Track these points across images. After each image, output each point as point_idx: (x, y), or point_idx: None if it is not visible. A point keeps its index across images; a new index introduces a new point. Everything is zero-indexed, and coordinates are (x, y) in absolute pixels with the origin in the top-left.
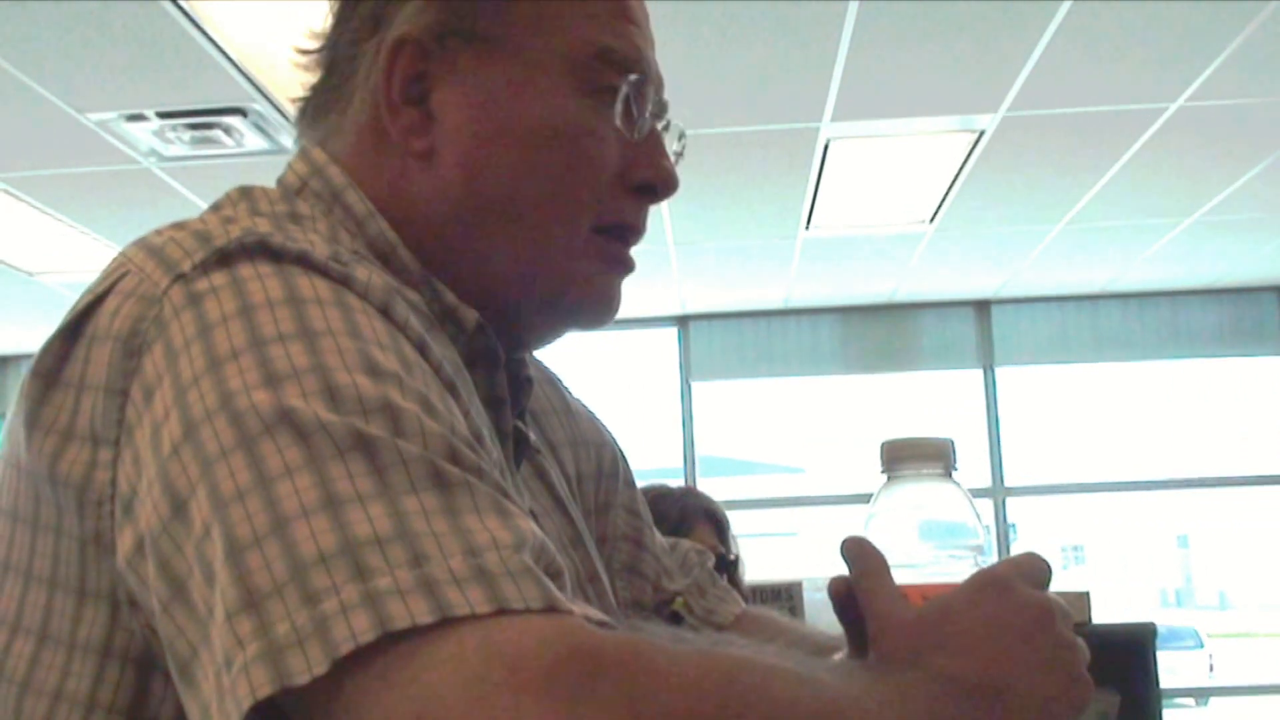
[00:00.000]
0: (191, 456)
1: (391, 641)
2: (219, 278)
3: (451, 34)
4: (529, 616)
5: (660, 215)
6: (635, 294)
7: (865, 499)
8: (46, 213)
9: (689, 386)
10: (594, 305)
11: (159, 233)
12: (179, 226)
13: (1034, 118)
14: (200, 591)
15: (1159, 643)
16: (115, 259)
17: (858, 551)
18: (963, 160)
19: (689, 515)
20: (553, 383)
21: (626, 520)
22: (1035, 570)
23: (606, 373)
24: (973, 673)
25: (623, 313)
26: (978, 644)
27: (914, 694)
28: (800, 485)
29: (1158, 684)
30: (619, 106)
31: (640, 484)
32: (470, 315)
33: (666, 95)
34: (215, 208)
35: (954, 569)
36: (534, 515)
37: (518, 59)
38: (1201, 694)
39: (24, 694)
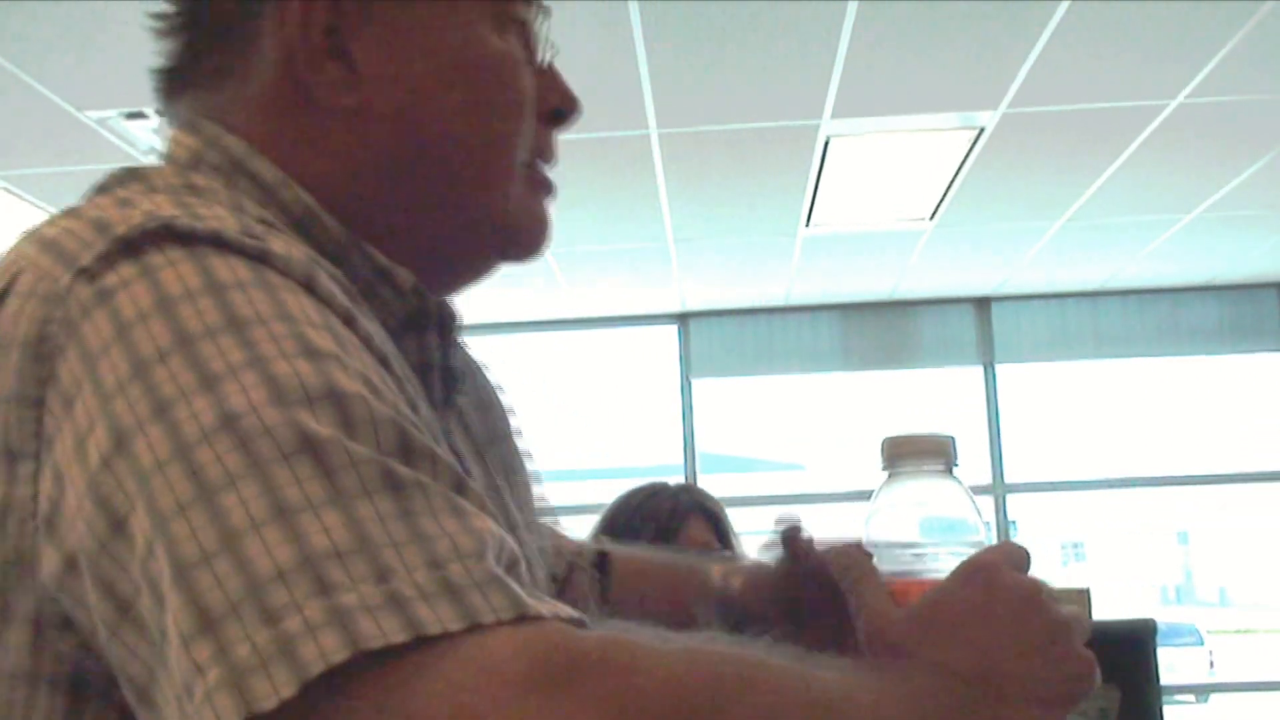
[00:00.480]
0: (126, 470)
1: (364, 661)
2: (127, 270)
3: None
4: (500, 628)
5: (661, 212)
6: (635, 291)
7: (866, 496)
8: (47, 210)
9: (689, 384)
10: (538, 233)
11: (51, 222)
12: (72, 214)
13: (1034, 115)
14: (150, 613)
15: (1159, 639)
16: (6, 255)
17: (848, 559)
18: (963, 157)
19: (680, 512)
20: (473, 372)
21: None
22: (1013, 556)
23: (607, 370)
24: (965, 661)
25: (622, 310)
26: (967, 632)
27: (907, 686)
28: (800, 482)
29: (1158, 680)
30: (534, 29)
31: (637, 482)
32: (406, 276)
33: (667, 92)
34: (103, 189)
35: (955, 566)
36: (459, 456)
37: (429, 1)
38: (1202, 690)
39: None
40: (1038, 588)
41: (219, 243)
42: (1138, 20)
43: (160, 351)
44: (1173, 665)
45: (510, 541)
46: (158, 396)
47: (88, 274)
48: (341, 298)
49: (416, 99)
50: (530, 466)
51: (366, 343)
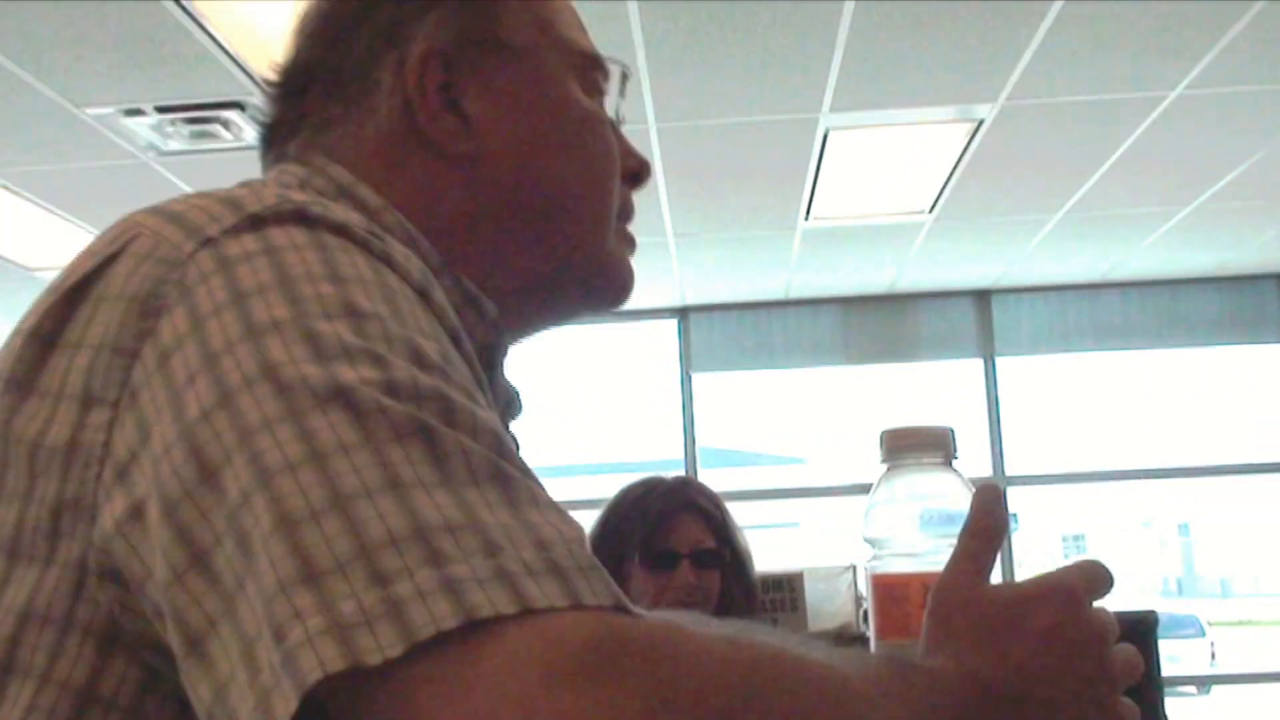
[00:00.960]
0: (227, 423)
1: (468, 631)
2: (251, 243)
3: (472, 43)
4: (567, 614)
5: (659, 207)
6: (635, 285)
7: (867, 489)
8: (45, 208)
9: (689, 378)
10: (627, 283)
11: (178, 201)
12: (201, 195)
13: (1033, 106)
14: (229, 562)
15: (1161, 631)
16: (119, 224)
17: (990, 503)
18: (962, 149)
19: (668, 511)
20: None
21: None
22: (1100, 582)
23: (607, 365)
24: (1005, 681)
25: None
26: (1023, 652)
27: (939, 695)
28: (801, 476)
29: (1159, 672)
30: (611, 105)
31: (640, 476)
32: (491, 306)
33: (666, 86)
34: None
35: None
36: None
37: (531, 63)
38: (1203, 682)
39: None
40: (1108, 632)
41: (345, 233)
42: (1136, 12)
43: (275, 321)
44: (1175, 657)
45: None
46: (267, 359)
47: (213, 243)
48: (452, 315)
49: (527, 146)
50: None
51: (469, 363)
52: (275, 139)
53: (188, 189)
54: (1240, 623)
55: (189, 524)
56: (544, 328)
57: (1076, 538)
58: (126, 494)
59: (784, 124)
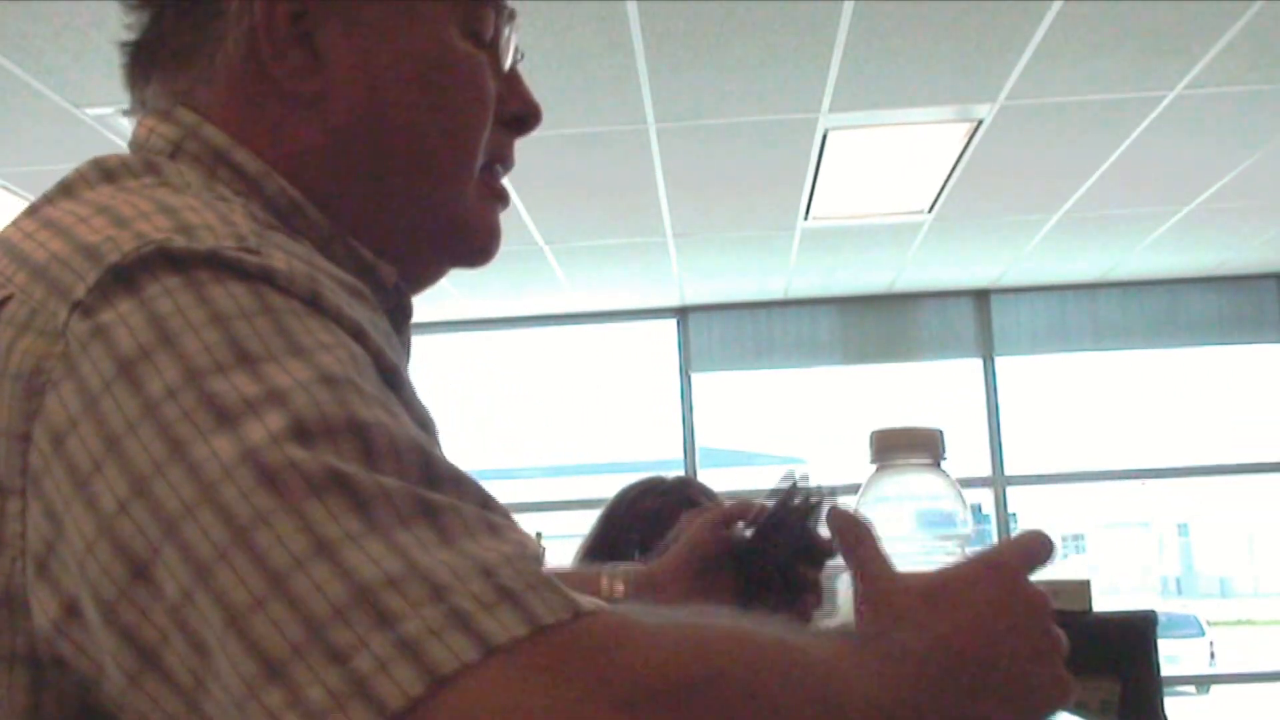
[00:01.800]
0: (148, 515)
1: (438, 688)
2: (123, 303)
3: None
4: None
5: (659, 206)
6: (634, 286)
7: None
8: None
9: (688, 378)
10: (488, 238)
11: (33, 240)
12: (57, 233)
13: (1032, 107)
14: (183, 661)
15: (1160, 631)
16: None
17: (845, 522)
18: (961, 150)
19: (669, 509)
20: None
21: None
22: (1035, 554)
23: (606, 365)
24: (968, 645)
25: (621, 304)
26: (975, 620)
27: (903, 657)
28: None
29: (1158, 672)
30: (490, 40)
31: (635, 477)
32: (389, 272)
33: (665, 86)
34: (68, 191)
35: (941, 559)
36: None
37: None
38: (1202, 682)
39: None
40: (1047, 602)
41: (216, 263)
42: (1135, 12)
43: (169, 389)
44: (1174, 657)
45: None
46: (172, 436)
47: (83, 308)
48: (349, 310)
49: (378, 91)
50: None
51: (377, 357)
52: (137, 63)
53: None
54: (1239, 622)
55: (132, 625)
56: (430, 280)
57: (1076, 537)
58: (53, 591)
59: (783, 124)
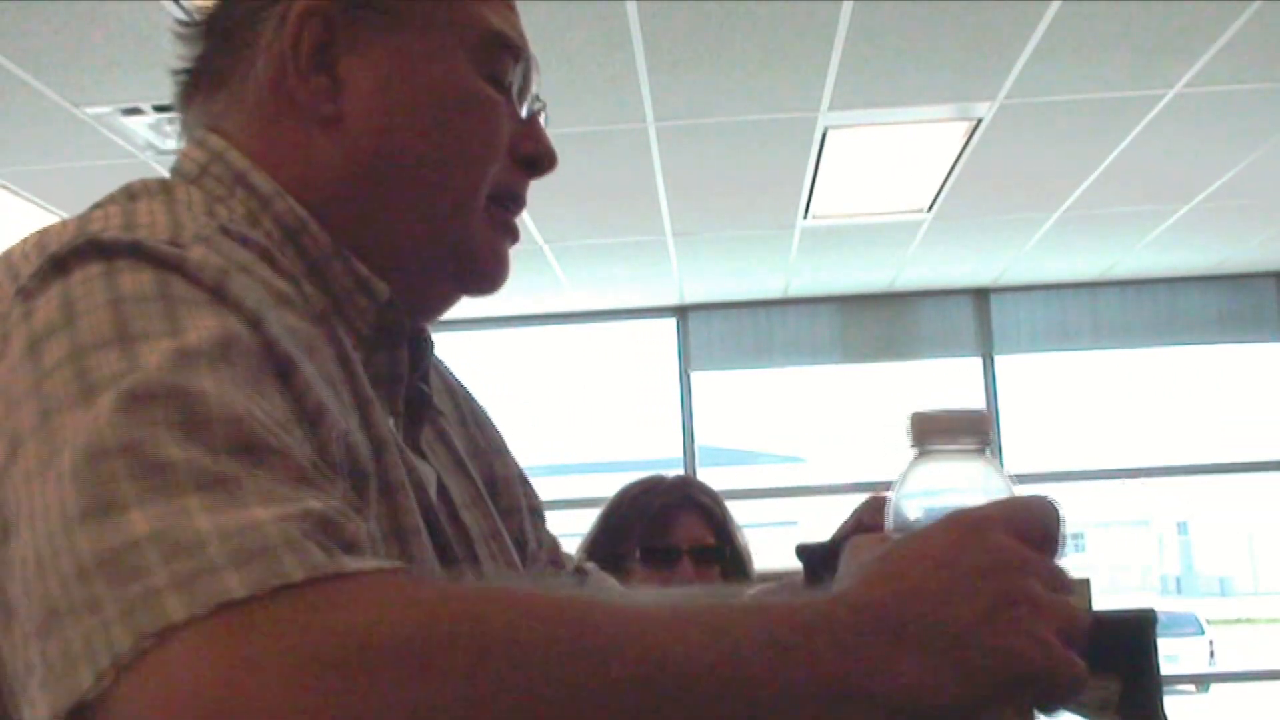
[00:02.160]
0: (20, 479)
1: (165, 638)
2: (50, 287)
3: (358, 6)
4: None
5: (659, 205)
6: (633, 285)
7: (866, 488)
8: (44, 207)
9: (688, 377)
10: (491, 269)
11: (25, 239)
12: (42, 231)
13: (1031, 105)
14: (26, 613)
15: (1160, 629)
16: None
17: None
18: (960, 148)
19: (669, 508)
20: (454, 392)
21: (531, 519)
22: (1022, 513)
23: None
24: (888, 603)
25: (621, 303)
26: (919, 575)
27: (757, 621)
28: (800, 475)
29: (1159, 671)
30: (512, 86)
31: (635, 475)
32: (382, 288)
33: (665, 85)
34: (97, 204)
35: None
36: (438, 474)
37: (421, 34)
38: (1203, 680)
39: None
40: (1028, 560)
41: (136, 253)
42: (1134, 10)
43: (57, 363)
44: (1173, 655)
45: (350, 521)
46: (45, 407)
47: (24, 292)
48: (252, 302)
49: (391, 117)
50: (519, 475)
51: (270, 346)
52: (184, 88)
53: None
54: (1239, 621)
55: (2, 580)
56: (439, 307)
57: (1075, 536)
58: None
59: (783, 123)
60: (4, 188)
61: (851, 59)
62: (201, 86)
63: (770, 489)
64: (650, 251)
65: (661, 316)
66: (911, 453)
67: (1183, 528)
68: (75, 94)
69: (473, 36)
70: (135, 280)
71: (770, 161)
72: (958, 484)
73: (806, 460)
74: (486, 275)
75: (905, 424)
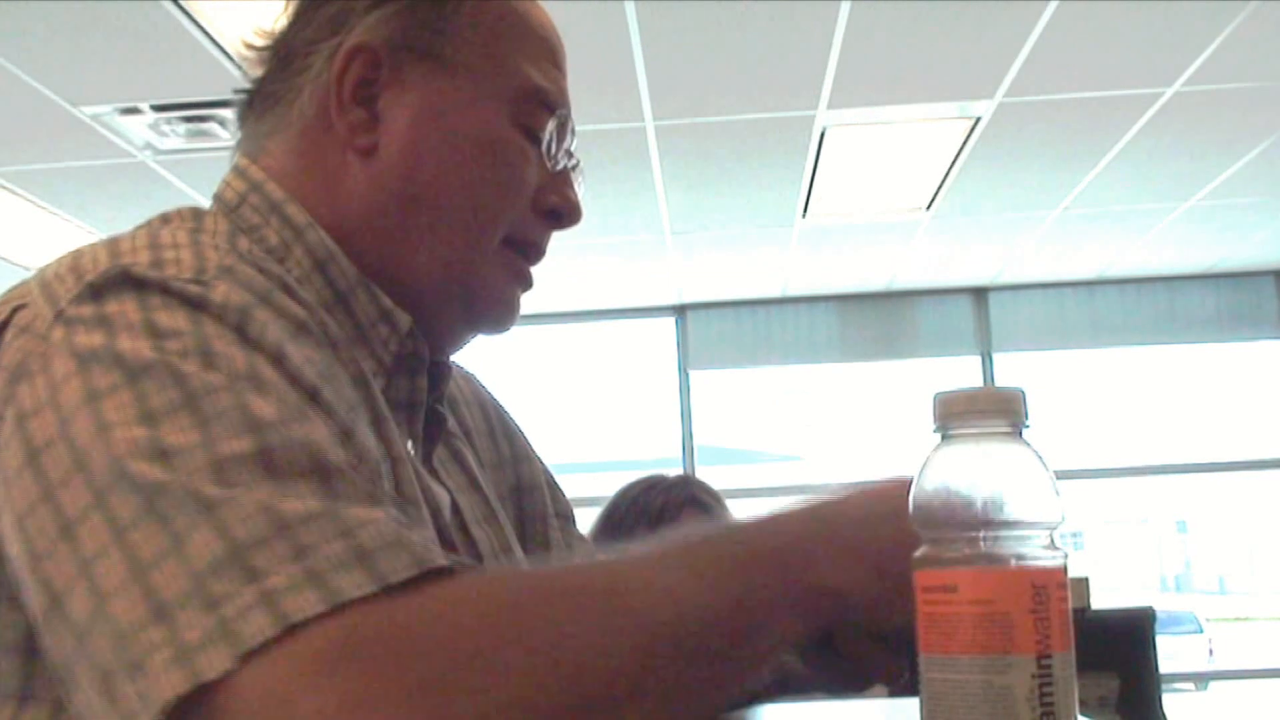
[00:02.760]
0: (83, 485)
1: (286, 637)
2: (88, 312)
3: (405, 48)
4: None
5: (657, 204)
6: (632, 283)
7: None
8: (42, 206)
9: (687, 375)
10: (498, 311)
11: (59, 260)
12: (75, 254)
13: (1030, 104)
14: (82, 606)
15: (1158, 627)
16: (16, 287)
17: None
18: (959, 147)
19: (672, 506)
20: (483, 403)
21: (561, 526)
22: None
23: (605, 362)
24: (800, 528)
25: (620, 302)
26: (826, 510)
27: (728, 552)
28: (799, 473)
29: (1157, 668)
30: (545, 140)
31: (641, 474)
32: (404, 319)
33: (663, 84)
34: (137, 228)
35: (1025, 552)
36: (450, 492)
37: (462, 81)
38: (1201, 678)
39: None
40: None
41: (164, 289)
42: (1133, 8)
43: (112, 385)
44: (1172, 653)
45: (418, 533)
46: (103, 420)
47: (64, 316)
48: (273, 338)
49: (419, 154)
50: (548, 481)
51: (295, 378)
52: (242, 110)
53: (184, 187)
54: (1238, 619)
55: (51, 575)
56: (455, 342)
57: (1074, 534)
58: (8, 543)
59: (781, 121)
60: (2, 187)
61: (850, 57)
62: (255, 106)
63: (769, 488)
64: (649, 250)
65: (660, 315)
66: (935, 438)
67: (1181, 526)
68: (73, 93)
69: (512, 87)
70: (170, 317)
71: (769, 160)
72: (988, 469)
73: (804, 459)
74: (491, 317)
75: (930, 407)
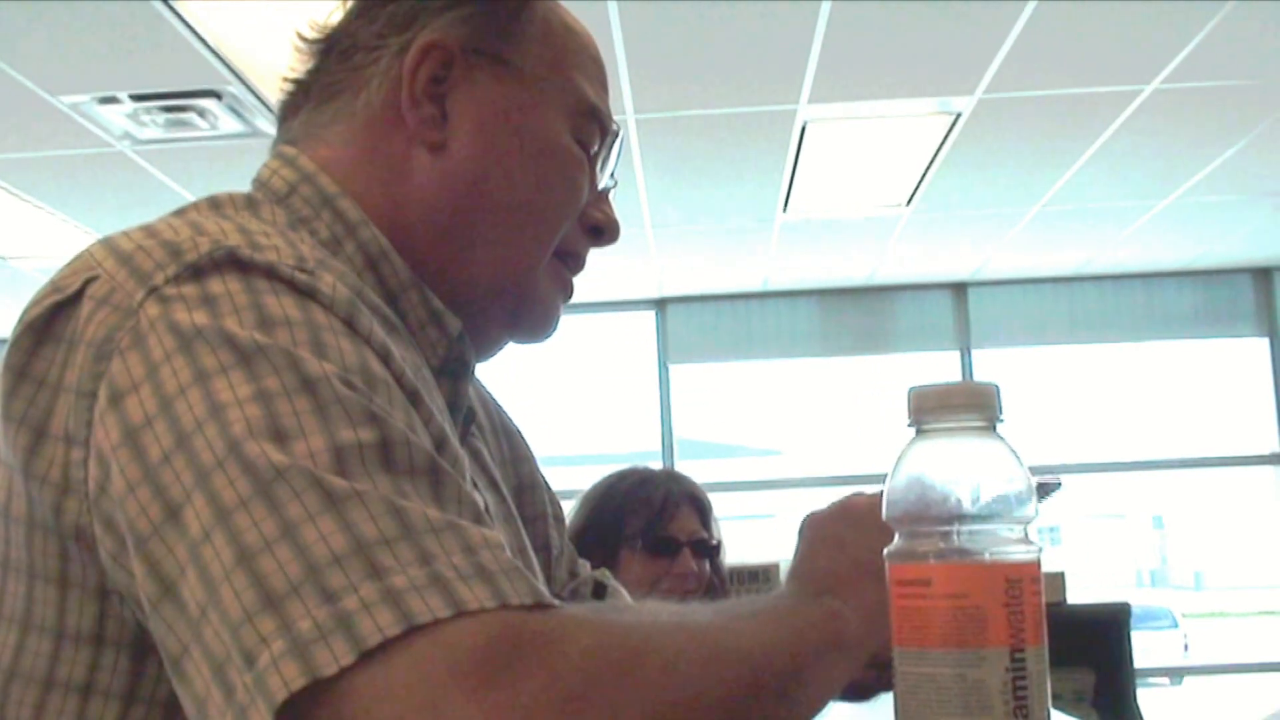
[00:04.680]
0: (185, 465)
1: (411, 635)
2: (191, 291)
3: (476, 51)
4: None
5: (637, 197)
6: (613, 276)
7: (845, 481)
8: (20, 196)
9: (667, 369)
10: (542, 320)
11: (128, 236)
12: (148, 233)
13: (1011, 100)
14: (193, 593)
15: (1134, 622)
16: (79, 258)
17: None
18: (940, 142)
19: (671, 501)
20: (485, 403)
21: (555, 527)
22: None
23: (584, 356)
24: (815, 578)
25: (600, 295)
26: (825, 569)
27: (775, 605)
28: (778, 467)
29: (1132, 663)
30: (596, 156)
31: (621, 467)
32: (454, 323)
33: (644, 77)
34: (177, 212)
35: (999, 546)
36: (480, 491)
37: (528, 88)
38: (1176, 673)
39: (10, 681)
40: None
41: (272, 275)
42: (1113, 7)
43: (220, 365)
44: (1147, 648)
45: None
46: (215, 401)
47: (158, 293)
48: (380, 334)
49: (490, 154)
50: (545, 483)
51: (399, 379)
52: (292, 100)
53: (163, 178)
54: (1213, 614)
55: (158, 559)
56: (491, 349)
57: (1051, 529)
58: (107, 528)
59: (762, 116)
60: None
61: (831, 52)
62: (312, 97)
63: (748, 482)
64: (629, 243)
65: (640, 308)
66: (909, 433)
67: (1158, 521)
68: (51, 82)
69: (571, 101)
70: (276, 299)
71: (749, 154)
72: (961, 464)
73: (784, 453)
74: (534, 325)
75: (904, 402)
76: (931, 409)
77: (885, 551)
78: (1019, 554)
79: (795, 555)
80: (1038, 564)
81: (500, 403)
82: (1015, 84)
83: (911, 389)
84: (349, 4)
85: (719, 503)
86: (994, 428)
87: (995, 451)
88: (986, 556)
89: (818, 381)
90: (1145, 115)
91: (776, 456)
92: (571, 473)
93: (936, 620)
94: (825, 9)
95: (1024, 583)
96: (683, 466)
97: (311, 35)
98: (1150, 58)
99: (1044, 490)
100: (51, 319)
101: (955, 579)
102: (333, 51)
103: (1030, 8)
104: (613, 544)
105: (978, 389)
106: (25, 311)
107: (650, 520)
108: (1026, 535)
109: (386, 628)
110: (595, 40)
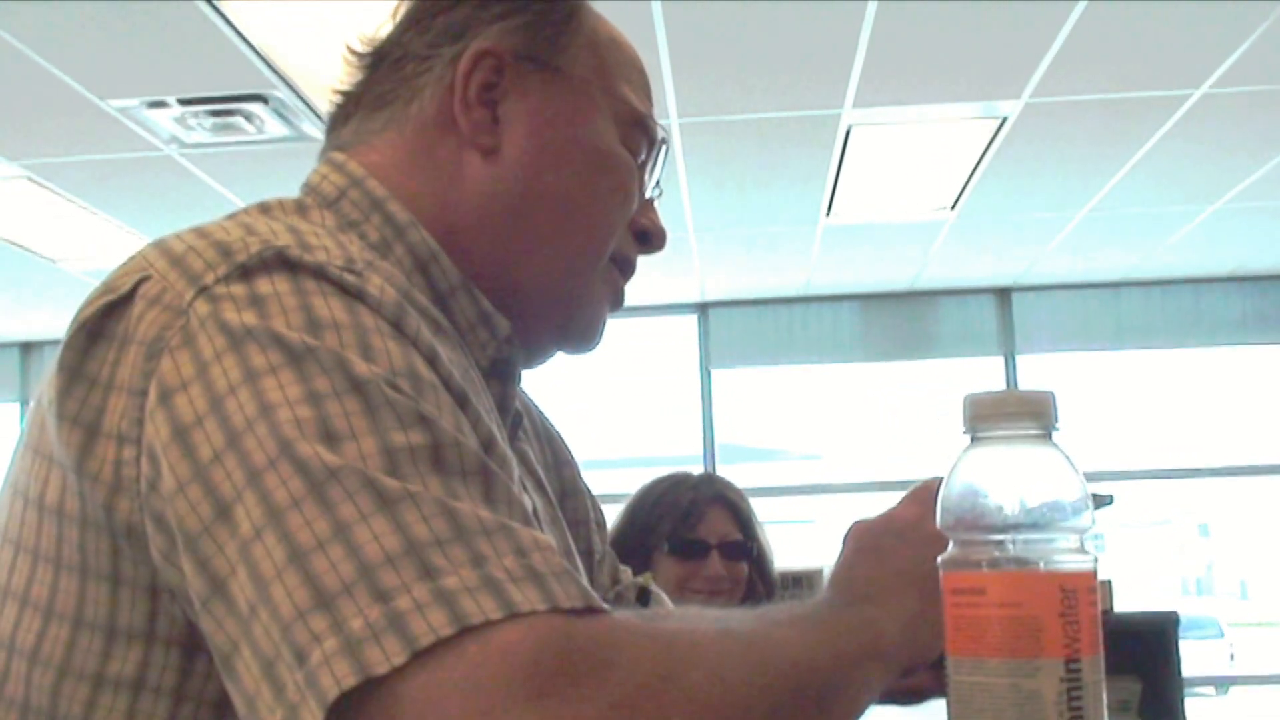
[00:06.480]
0: (236, 464)
1: (463, 636)
2: (240, 291)
3: (528, 58)
4: (558, 615)
5: (680, 202)
6: (655, 281)
7: (886, 487)
8: (69, 199)
9: (709, 374)
10: (591, 327)
11: (179, 238)
12: (200, 234)
13: (1057, 104)
14: (243, 591)
15: (1180, 631)
16: (133, 259)
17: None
18: (985, 147)
19: (699, 503)
20: (527, 408)
21: (598, 532)
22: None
23: (627, 360)
24: (862, 599)
25: (643, 299)
26: (869, 579)
27: (815, 612)
28: (819, 472)
29: (1179, 672)
30: (643, 164)
31: (662, 472)
32: (503, 324)
33: (688, 82)
34: (231, 215)
35: (1054, 555)
36: (529, 494)
37: (579, 95)
38: (1222, 682)
39: (62, 678)
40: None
41: (321, 276)
42: (1161, 9)
43: (271, 365)
44: (1193, 657)
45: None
46: (265, 400)
47: (208, 293)
48: (427, 336)
49: (543, 158)
50: (586, 489)
51: (446, 382)
52: (342, 110)
53: (210, 181)
54: (1260, 624)
55: (208, 557)
56: (535, 357)
57: (1095, 536)
58: (158, 525)
59: (806, 120)
60: (28, 179)
61: (876, 56)
62: (362, 106)
63: (789, 486)
64: (672, 247)
65: (683, 313)
66: (964, 440)
67: (1204, 529)
68: (100, 86)
69: (619, 109)
70: (324, 301)
71: (793, 158)
72: (1016, 472)
73: (825, 458)
74: (583, 331)
75: (960, 410)
76: (987, 416)
77: (939, 559)
78: (1074, 563)
79: (837, 562)
80: (1094, 574)
81: (541, 408)
82: (1062, 88)
83: (967, 396)
84: (399, 15)
85: (760, 507)
86: (1050, 436)
87: (1051, 460)
88: (1041, 566)
89: (860, 386)
90: (1194, 120)
91: (817, 461)
92: (613, 476)
93: (991, 629)
94: (871, 12)
95: (1079, 592)
96: (724, 471)
97: (362, 49)
98: (1200, 61)
99: (1096, 503)
100: (104, 318)
101: (1010, 588)
102: (384, 62)
103: (1078, 10)
104: (646, 547)
105: (1034, 397)
106: (79, 311)
107: (677, 523)
108: (1082, 545)
109: (439, 628)
110: (639, 52)
